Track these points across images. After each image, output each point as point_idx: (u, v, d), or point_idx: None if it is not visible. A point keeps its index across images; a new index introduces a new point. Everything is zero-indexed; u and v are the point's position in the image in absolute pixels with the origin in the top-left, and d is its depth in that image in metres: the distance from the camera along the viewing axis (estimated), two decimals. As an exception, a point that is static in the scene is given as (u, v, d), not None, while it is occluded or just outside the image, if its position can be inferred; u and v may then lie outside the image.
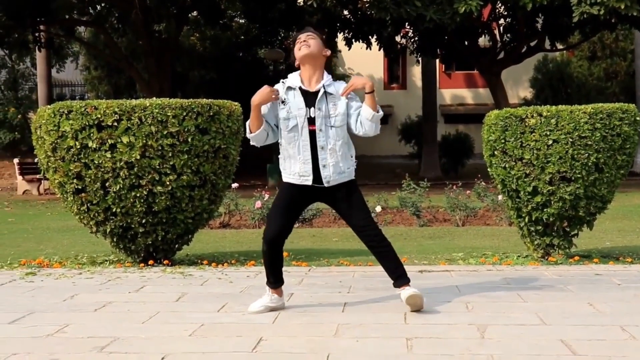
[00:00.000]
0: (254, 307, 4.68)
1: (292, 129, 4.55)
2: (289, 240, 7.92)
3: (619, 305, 4.73)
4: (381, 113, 4.61)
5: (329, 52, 4.68)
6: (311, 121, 4.52)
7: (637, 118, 6.43)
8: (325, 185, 4.58)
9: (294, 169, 4.60)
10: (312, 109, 4.52)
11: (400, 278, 4.72)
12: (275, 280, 4.74)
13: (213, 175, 6.49)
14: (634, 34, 25.10)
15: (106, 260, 6.95)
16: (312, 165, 4.55)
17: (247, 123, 4.63)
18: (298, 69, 4.67)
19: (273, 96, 4.52)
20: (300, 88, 4.57)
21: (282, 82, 4.66)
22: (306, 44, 4.55)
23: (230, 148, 6.58)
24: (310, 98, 4.54)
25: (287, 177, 4.66)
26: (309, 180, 4.57)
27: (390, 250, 4.75)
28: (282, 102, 4.56)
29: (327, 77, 4.64)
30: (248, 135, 4.64)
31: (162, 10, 22.71)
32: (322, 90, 4.54)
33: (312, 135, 4.53)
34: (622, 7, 15.69)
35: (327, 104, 4.55)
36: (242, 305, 4.85)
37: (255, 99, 4.51)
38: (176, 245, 6.80)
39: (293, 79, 4.62)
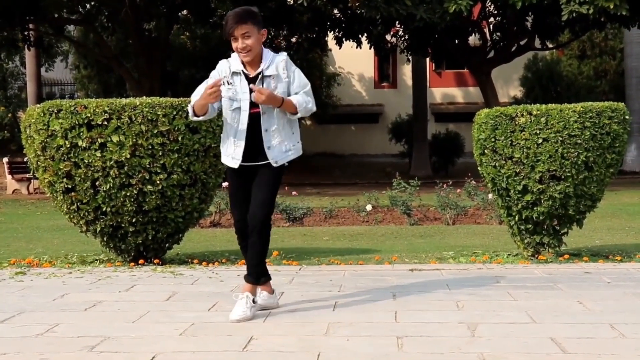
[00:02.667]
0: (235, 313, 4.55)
1: (235, 110, 4.54)
2: (279, 238, 7.91)
3: (609, 303, 4.75)
4: (299, 114, 4.54)
5: (265, 33, 4.58)
6: (253, 105, 4.48)
7: (627, 117, 6.46)
8: (274, 165, 4.53)
9: (229, 150, 4.61)
10: (252, 93, 4.45)
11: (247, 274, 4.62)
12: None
13: (203, 174, 6.48)
14: (623, 33, 25.21)
15: (96, 260, 6.93)
16: (251, 147, 4.50)
17: (191, 106, 4.59)
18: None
19: (215, 93, 4.41)
20: (243, 72, 4.54)
21: (228, 62, 4.61)
22: (246, 50, 4.46)
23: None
24: (251, 82, 4.51)
25: (224, 159, 4.68)
26: (236, 163, 4.56)
27: (257, 242, 4.56)
28: (228, 82, 4.53)
29: (265, 60, 4.55)
30: (192, 117, 4.62)
31: (152, 9, 22.67)
32: (260, 76, 4.50)
33: (255, 118, 4.50)
34: (611, 6, 15.75)
35: (269, 86, 4.49)
36: (232, 305, 4.84)
37: (202, 102, 4.46)
38: (166, 245, 6.79)
39: (236, 62, 4.57)
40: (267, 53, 4.60)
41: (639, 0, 16.15)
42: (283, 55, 4.65)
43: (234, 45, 4.51)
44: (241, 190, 4.67)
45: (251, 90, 4.46)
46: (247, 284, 4.59)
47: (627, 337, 3.91)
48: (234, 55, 4.60)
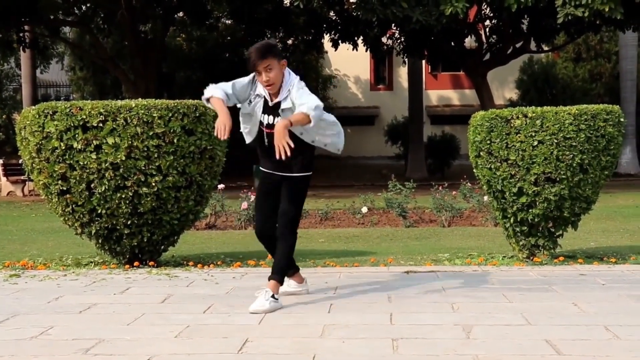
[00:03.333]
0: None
1: (253, 124, 5.04)
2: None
3: (603, 305, 4.76)
4: (313, 121, 4.73)
5: (285, 63, 4.94)
6: (268, 126, 4.91)
7: (621, 119, 6.47)
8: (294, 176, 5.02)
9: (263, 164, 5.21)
10: (270, 116, 4.92)
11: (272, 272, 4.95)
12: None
13: (199, 176, 6.47)
14: (618, 36, 25.26)
15: (91, 262, 6.92)
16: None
17: (205, 98, 4.96)
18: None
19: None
20: (264, 98, 4.94)
21: (255, 81, 4.98)
22: (269, 83, 4.83)
23: (216, 149, 6.57)
24: (268, 108, 4.94)
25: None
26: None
27: (284, 245, 4.98)
28: (251, 101, 5.00)
29: (283, 91, 4.88)
30: (205, 102, 4.99)
31: (148, 11, 22.66)
32: (280, 107, 4.87)
33: (269, 137, 4.88)
34: (607, 9, 15.79)
35: (285, 116, 4.82)
36: (228, 307, 4.85)
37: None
38: (162, 247, 6.78)
39: (260, 87, 4.95)
40: (286, 83, 4.91)
41: (634, 3, 16.18)
42: (295, 81, 4.93)
43: (258, 78, 4.89)
44: (263, 195, 5.18)
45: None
46: (270, 281, 4.87)
47: (621, 339, 3.92)
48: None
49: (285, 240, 4.96)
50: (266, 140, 4.98)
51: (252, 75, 4.97)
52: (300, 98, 4.80)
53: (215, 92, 4.88)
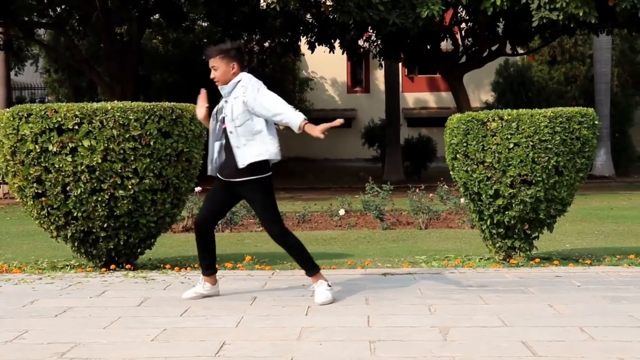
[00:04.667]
0: (187, 294, 5.25)
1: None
2: (252, 243, 7.90)
3: (579, 306, 4.81)
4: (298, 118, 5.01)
5: (235, 66, 5.17)
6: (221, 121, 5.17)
7: (596, 122, 6.53)
8: (240, 180, 5.09)
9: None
10: (220, 115, 5.20)
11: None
12: (205, 267, 5.30)
13: (176, 179, 6.45)
14: (592, 39, 25.48)
15: (67, 265, 6.86)
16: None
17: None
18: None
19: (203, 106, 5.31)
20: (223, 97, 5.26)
21: None
22: (214, 80, 5.21)
23: (193, 151, 6.55)
24: (222, 104, 5.22)
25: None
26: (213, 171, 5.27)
27: (289, 247, 5.22)
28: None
29: (229, 86, 5.15)
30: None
31: (123, 13, 22.51)
32: (228, 98, 5.14)
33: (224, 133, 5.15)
34: (581, 13, 15.92)
35: (230, 108, 5.09)
36: (205, 310, 4.83)
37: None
38: (138, 250, 6.74)
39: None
40: (234, 80, 5.17)
41: (608, 7, 16.34)
42: (242, 77, 5.18)
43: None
44: (217, 199, 5.33)
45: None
46: (312, 277, 5.16)
47: (596, 340, 3.95)
48: None
49: (287, 244, 5.20)
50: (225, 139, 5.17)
51: None
52: (260, 96, 5.02)
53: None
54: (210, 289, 5.31)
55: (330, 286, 5.09)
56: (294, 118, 4.91)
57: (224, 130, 5.12)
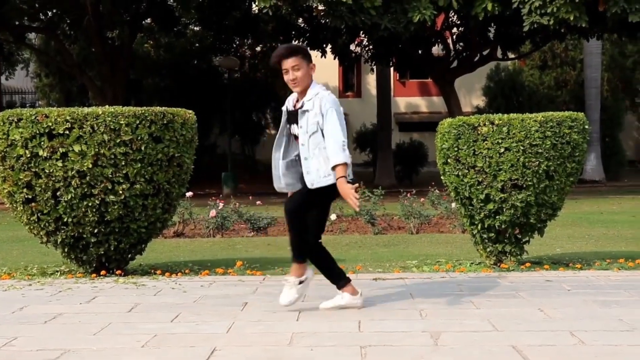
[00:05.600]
0: (325, 304, 5.02)
1: (278, 139, 5.06)
2: (243, 248, 7.88)
3: (569, 310, 4.81)
4: (345, 158, 4.77)
5: (314, 67, 4.96)
6: (296, 137, 4.93)
7: (586, 126, 6.55)
8: (310, 187, 4.84)
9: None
10: (294, 125, 4.93)
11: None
12: (338, 278, 5.05)
13: (167, 184, 6.43)
14: (583, 44, 25.61)
15: (57, 271, 6.83)
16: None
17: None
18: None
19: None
20: (287, 109, 5.01)
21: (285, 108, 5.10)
22: (294, 82, 4.86)
23: (184, 156, 6.53)
24: (294, 115, 4.93)
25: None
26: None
27: (312, 259, 5.07)
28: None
29: (309, 94, 4.88)
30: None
31: (115, 17, 22.50)
32: (307, 107, 4.85)
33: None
34: (572, 18, 16.00)
35: (306, 120, 4.85)
36: (195, 315, 4.82)
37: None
38: (129, 255, 6.72)
39: (288, 101, 5.06)
40: (313, 88, 4.91)
41: (598, 12, 16.42)
42: (326, 95, 4.90)
43: (285, 77, 4.93)
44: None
45: None
46: (346, 287, 5.00)
47: (586, 344, 3.96)
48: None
49: (314, 260, 5.07)
50: (298, 153, 4.95)
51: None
52: (331, 117, 4.78)
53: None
54: (349, 299, 4.99)
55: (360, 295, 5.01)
56: (333, 156, 4.73)
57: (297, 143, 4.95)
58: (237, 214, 10.85)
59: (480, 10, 17.10)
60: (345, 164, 4.72)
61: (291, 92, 5.08)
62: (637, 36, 19.25)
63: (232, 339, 4.20)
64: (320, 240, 5.04)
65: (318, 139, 4.81)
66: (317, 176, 4.80)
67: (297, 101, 4.97)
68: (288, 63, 4.84)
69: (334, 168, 4.72)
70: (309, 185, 4.83)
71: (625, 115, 27.88)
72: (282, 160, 5.02)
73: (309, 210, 4.93)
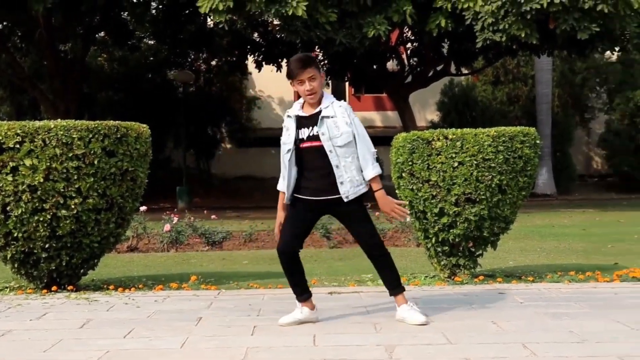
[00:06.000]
0: (284, 319, 4.91)
1: (288, 151, 4.92)
2: (198, 263, 7.84)
3: (521, 323, 4.87)
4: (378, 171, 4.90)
5: (324, 77, 5.05)
6: (310, 139, 4.86)
7: (537, 141, 6.66)
8: (345, 199, 4.84)
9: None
10: (306, 128, 4.87)
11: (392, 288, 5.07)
12: (300, 292, 5.00)
13: (120, 198, 6.36)
14: (534, 60, 26.05)
15: (6, 287, 6.70)
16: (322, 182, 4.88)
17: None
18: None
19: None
20: (296, 116, 4.95)
21: (287, 114, 5.05)
22: (311, 92, 4.86)
23: (138, 170, 6.47)
24: (303, 121, 4.90)
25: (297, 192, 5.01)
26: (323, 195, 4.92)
27: (386, 261, 5.05)
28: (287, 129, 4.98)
29: (325, 101, 4.92)
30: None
31: (68, 30, 22.26)
32: (320, 115, 4.86)
33: (315, 152, 4.85)
34: (523, 35, 16.28)
35: (329, 126, 4.83)
36: (149, 331, 4.77)
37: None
38: (81, 270, 6.62)
39: (293, 108, 5.03)
40: (326, 98, 4.94)
41: (548, 29, 16.74)
42: (342, 103, 4.98)
43: (299, 88, 4.90)
44: (299, 221, 5.01)
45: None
46: (400, 295, 5.01)
47: (538, 356, 4.01)
48: (296, 102, 5.04)
49: (386, 258, 5.04)
50: (305, 158, 4.90)
51: (286, 120, 5.00)
52: (360, 127, 4.93)
53: (281, 185, 5.09)
54: (309, 314, 4.96)
55: (417, 305, 5.05)
56: (369, 166, 4.85)
57: (308, 150, 4.87)
58: (191, 228, 10.77)
59: (434, 26, 17.31)
60: (379, 176, 4.83)
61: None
62: (585, 53, 19.66)
63: (186, 355, 4.16)
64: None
65: (352, 148, 4.85)
66: (351, 186, 4.83)
67: (302, 108, 4.96)
68: (305, 74, 4.83)
69: (370, 179, 4.83)
70: (344, 197, 4.82)
71: (575, 131, 28.41)
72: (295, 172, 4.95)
73: (359, 227, 4.99)
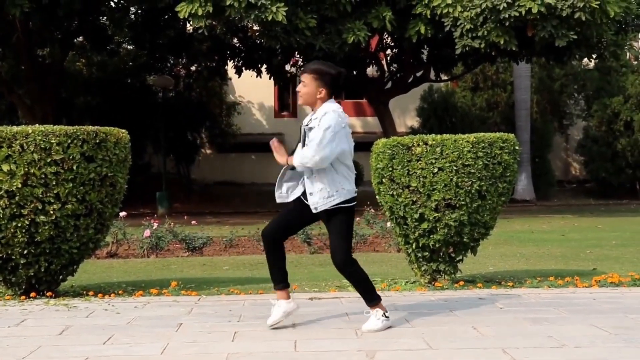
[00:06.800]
0: (271, 320, 4.97)
1: None
2: (178, 269, 7.81)
3: (501, 328, 4.90)
4: (298, 166, 4.94)
5: (322, 92, 4.98)
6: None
7: (516, 147, 6.71)
8: (314, 211, 4.93)
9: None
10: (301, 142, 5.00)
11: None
12: (278, 280, 5.09)
13: (99, 204, 6.33)
14: (513, 67, 26.22)
15: (-16, 294, 6.63)
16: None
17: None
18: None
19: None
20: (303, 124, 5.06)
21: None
22: (298, 94, 5.03)
23: (117, 176, 6.44)
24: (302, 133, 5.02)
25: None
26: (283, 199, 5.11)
27: (351, 278, 5.06)
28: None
29: (317, 113, 4.95)
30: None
31: (45, 34, 22.08)
32: (303, 128, 5.00)
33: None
34: (502, 41, 16.40)
35: (309, 137, 4.92)
36: (129, 337, 4.74)
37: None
38: (60, 277, 6.57)
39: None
40: (323, 107, 4.96)
41: (527, 36, 16.87)
42: (331, 116, 4.92)
43: None
44: (292, 213, 5.11)
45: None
46: (375, 305, 4.97)
47: (519, 361, 4.03)
48: None
49: (349, 276, 5.03)
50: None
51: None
52: (315, 131, 4.86)
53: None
54: (286, 305, 5.03)
55: (387, 317, 4.95)
56: (295, 158, 4.95)
57: None
58: (171, 234, 10.72)
59: (414, 32, 17.39)
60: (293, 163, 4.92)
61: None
62: (563, 60, 19.82)
63: (167, 361, 4.14)
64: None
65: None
66: (321, 197, 4.87)
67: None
68: (302, 76, 5.05)
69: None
70: (313, 208, 4.89)
71: (554, 137, 28.60)
72: (290, 170, 5.05)
73: (331, 237, 5.01)
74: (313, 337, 4.66)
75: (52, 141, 6.01)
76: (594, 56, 19.70)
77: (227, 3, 15.42)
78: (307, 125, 4.97)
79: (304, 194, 5.00)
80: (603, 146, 26.56)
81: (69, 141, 6.07)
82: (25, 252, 6.12)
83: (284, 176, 5.08)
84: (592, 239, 11.92)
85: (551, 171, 27.54)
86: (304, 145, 4.94)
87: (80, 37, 24.59)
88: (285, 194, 5.09)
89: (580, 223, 15.72)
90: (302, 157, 4.85)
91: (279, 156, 5.05)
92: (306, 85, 4.99)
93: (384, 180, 6.64)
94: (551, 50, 18.36)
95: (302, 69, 5.18)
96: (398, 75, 23.79)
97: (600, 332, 4.74)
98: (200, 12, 15.63)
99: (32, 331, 5.00)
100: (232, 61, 23.09)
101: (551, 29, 16.24)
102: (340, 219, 4.93)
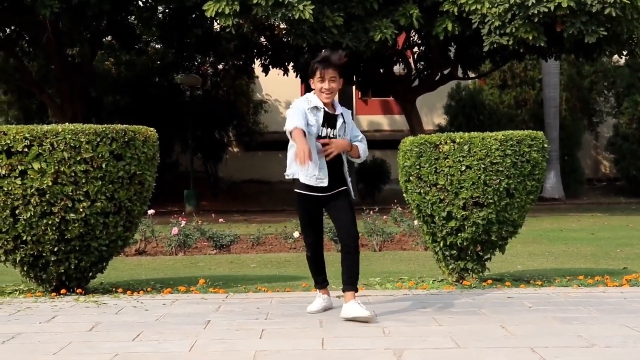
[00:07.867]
0: (312, 307, 5.46)
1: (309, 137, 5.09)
2: (206, 266, 7.86)
3: (530, 327, 4.86)
4: (361, 159, 5.52)
5: (342, 83, 5.31)
6: (320, 137, 5.19)
7: (545, 145, 6.65)
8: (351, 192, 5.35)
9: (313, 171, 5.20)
10: (328, 128, 5.22)
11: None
12: (321, 281, 5.63)
13: (128, 202, 6.38)
14: (541, 64, 26.00)
15: (16, 290, 6.72)
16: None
17: (289, 132, 5.11)
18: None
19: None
20: (324, 110, 5.21)
21: (307, 99, 5.25)
22: (328, 92, 5.18)
23: (146, 174, 6.49)
24: (330, 119, 5.23)
25: (305, 180, 5.24)
26: (323, 182, 5.22)
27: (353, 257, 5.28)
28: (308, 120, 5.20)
29: (338, 107, 5.33)
30: (288, 135, 5.16)
31: (75, 34, 22.29)
32: (340, 119, 5.28)
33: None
34: (530, 37, 16.27)
35: (343, 128, 5.28)
36: (157, 334, 4.77)
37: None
38: (90, 274, 6.64)
39: (316, 100, 5.23)
40: (337, 102, 5.34)
41: (556, 33, 16.72)
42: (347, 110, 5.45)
43: (318, 84, 5.21)
44: (311, 216, 5.39)
45: (323, 144, 5.19)
46: (350, 292, 5.22)
47: (548, 360, 4.00)
48: (309, 95, 5.29)
49: (357, 252, 5.27)
50: (317, 155, 5.13)
51: (303, 98, 5.24)
52: (356, 131, 5.44)
53: (299, 123, 5.03)
54: (328, 300, 5.57)
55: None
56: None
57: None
58: (199, 232, 10.78)
59: (441, 30, 17.31)
60: (358, 156, 5.47)
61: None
62: (593, 57, 19.60)
63: (195, 358, 4.17)
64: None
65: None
66: (349, 180, 5.38)
67: (326, 106, 5.25)
68: (328, 73, 5.14)
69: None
70: (340, 190, 5.30)
71: (583, 134, 28.31)
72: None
73: (345, 209, 5.29)
74: (340, 335, 4.66)
75: (82, 140, 6.07)
76: (624, 53, 19.45)
77: (254, 1, 15.47)
78: (334, 113, 5.22)
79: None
80: (634, 143, 26.23)
81: (98, 139, 6.13)
82: (55, 249, 6.19)
83: (317, 163, 5.18)
84: (622, 237, 11.79)
85: (580, 169, 27.26)
86: (333, 128, 5.21)
87: (109, 37, 24.79)
88: (324, 178, 5.23)
89: (610, 221, 15.55)
90: (364, 150, 5.39)
91: (336, 146, 5.18)
92: (336, 80, 5.15)
93: (411, 178, 6.62)
94: (580, 47, 18.15)
95: (320, 62, 5.18)
96: (425, 73, 23.70)
97: (631, 332, 4.69)
98: (227, 11, 15.69)
99: (62, 327, 5.06)
100: (259, 59, 23.15)
101: (580, 25, 16.07)
102: (349, 197, 5.34)
